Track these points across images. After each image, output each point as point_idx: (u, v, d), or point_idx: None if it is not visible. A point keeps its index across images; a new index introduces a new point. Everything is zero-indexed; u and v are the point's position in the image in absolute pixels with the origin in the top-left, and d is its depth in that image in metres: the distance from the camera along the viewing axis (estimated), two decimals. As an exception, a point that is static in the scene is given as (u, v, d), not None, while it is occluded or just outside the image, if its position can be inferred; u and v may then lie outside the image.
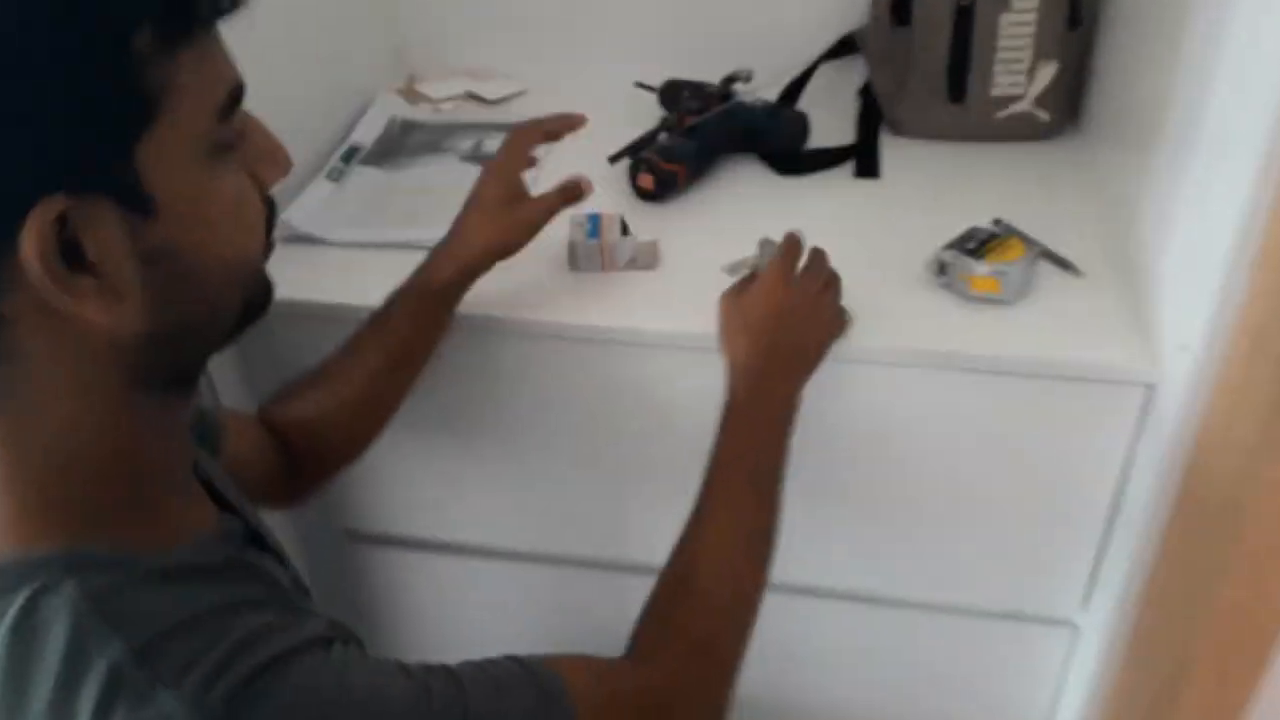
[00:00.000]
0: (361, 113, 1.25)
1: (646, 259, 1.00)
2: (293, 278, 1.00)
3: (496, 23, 1.34)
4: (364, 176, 1.15)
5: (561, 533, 1.13)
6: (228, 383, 1.02)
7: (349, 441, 0.90)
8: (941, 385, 0.91)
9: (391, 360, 0.86)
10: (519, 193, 0.88)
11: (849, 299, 0.90)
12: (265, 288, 0.60)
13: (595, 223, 1.00)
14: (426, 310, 0.86)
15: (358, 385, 0.86)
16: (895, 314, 0.91)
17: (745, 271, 0.91)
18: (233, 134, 0.52)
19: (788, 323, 0.82)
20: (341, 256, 1.04)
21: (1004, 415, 0.92)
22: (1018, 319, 0.90)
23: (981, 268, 0.90)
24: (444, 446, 1.07)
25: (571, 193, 0.88)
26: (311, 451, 0.87)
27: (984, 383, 0.90)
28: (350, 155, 1.17)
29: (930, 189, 1.10)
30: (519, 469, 1.07)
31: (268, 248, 0.58)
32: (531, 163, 0.90)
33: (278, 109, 1.10)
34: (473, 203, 0.87)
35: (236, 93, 0.52)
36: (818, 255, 0.87)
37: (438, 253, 0.87)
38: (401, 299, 0.86)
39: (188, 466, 0.61)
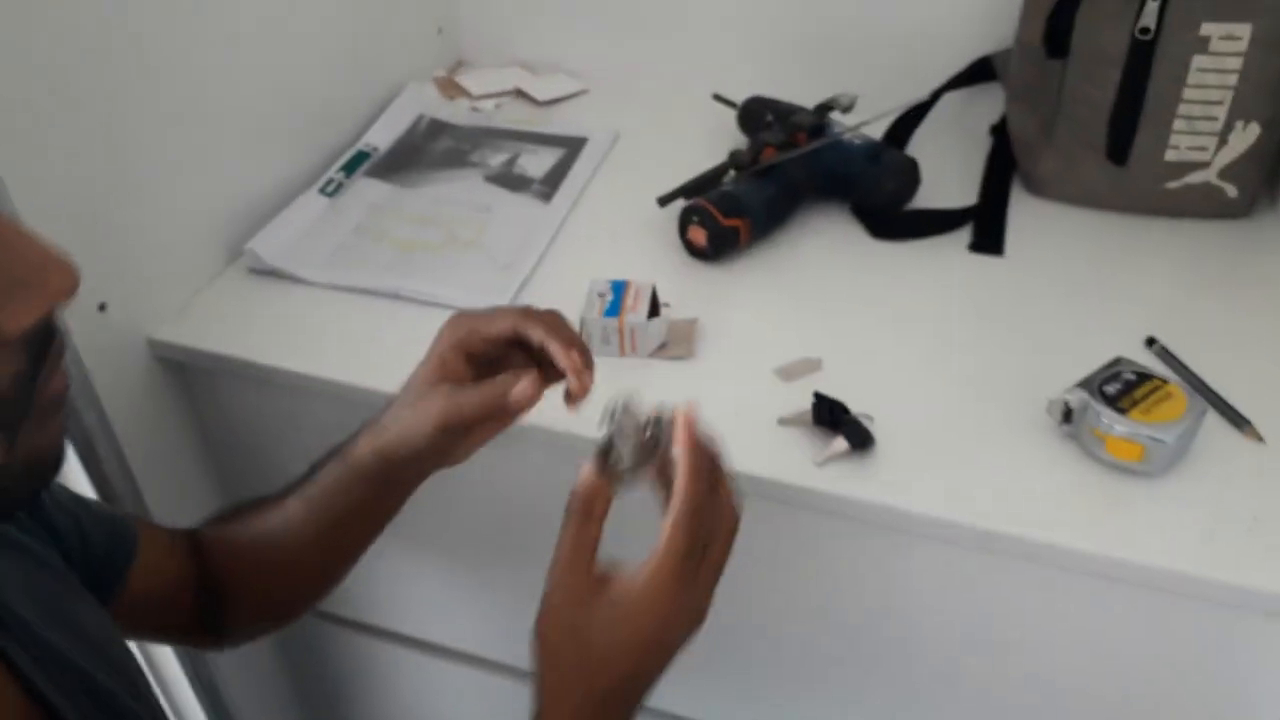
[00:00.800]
0: (384, 105, 1.05)
1: (679, 346, 0.78)
2: (245, 327, 0.80)
3: (561, 6, 1.12)
4: (366, 191, 0.95)
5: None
6: (169, 453, 0.86)
7: (278, 590, 0.72)
8: (1042, 579, 0.68)
9: (319, 522, 0.67)
10: (455, 376, 0.61)
11: (924, 437, 0.67)
12: (33, 467, 0.40)
13: (619, 293, 0.79)
14: (349, 482, 0.65)
15: (280, 537, 0.68)
16: (992, 471, 0.68)
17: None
18: None
19: (654, 654, 0.52)
20: (312, 302, 0.84)
21: (1119, 628, 0.69)
22: (1161, 501, 0.65)
23: (1122, 426, 0.66)
24: (430, 541, 0.89)
25: (520, 402, 0.57)
26: (241, 582, 0.70)
27: (1100, 586, 0.66)
28: (355, 163, 0.97)
29: (1068, 277, 0.85)
30: (505, 578, 0.88)
31: (38, 411, 0.39)
32: (493, 345, 0.62)
33: (272, 97, 0.92)
34: (410, 378, 0.64)
35: None
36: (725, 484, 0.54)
37: (368, 421, 0.65)
38: (326, 461, 0.67)
39: None
